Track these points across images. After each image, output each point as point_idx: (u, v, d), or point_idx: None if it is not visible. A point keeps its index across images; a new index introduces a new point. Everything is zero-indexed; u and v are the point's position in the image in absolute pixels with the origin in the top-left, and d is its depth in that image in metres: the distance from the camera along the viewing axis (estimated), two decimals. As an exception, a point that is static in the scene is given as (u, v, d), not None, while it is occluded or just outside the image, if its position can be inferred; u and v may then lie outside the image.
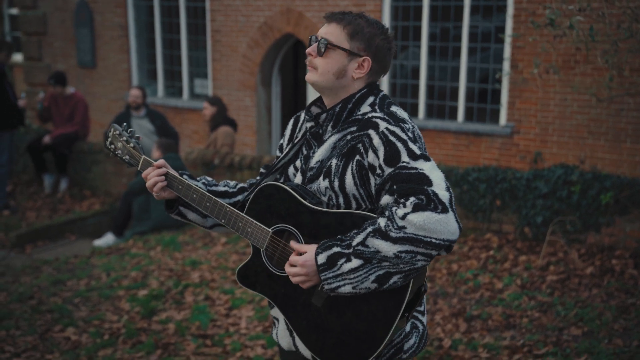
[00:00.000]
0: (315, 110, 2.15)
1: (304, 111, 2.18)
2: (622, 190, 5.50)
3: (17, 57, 11.87)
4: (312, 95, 8.85)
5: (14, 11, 12.36)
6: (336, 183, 2.00)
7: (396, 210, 1.83)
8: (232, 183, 2.31)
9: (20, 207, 7.98)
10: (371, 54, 2.04)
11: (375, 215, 1.92)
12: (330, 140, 2.06)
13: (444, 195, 1.82)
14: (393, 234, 1.81)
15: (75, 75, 10.19)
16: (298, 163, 2.16)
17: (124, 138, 2.28)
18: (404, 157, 1.89)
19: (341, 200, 2.01)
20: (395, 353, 2.08)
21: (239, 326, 4.51)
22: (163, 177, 2.17)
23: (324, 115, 2.08)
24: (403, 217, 1.81)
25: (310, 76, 2.07)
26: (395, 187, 1.87)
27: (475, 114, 7.45)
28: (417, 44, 7.64)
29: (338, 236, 1.93)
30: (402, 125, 1.96)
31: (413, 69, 7.78)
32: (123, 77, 9.87)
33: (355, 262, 1.87)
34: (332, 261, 1.89)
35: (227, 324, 4.55)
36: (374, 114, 2.00)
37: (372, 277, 1.87)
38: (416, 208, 1.80)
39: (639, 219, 5.49)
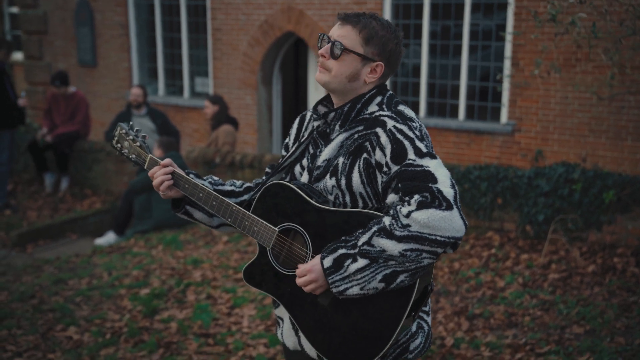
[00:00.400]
0: (322, 109, 2.15)
1: (310, 110, 2.18)
2: (623, 188, 5.50)
3: (18, 56, 11.87)
4: (313, 93, 8.84)
5: (15, 10, 12.35)
6: (343, 181, 2.00)
7: (401, 208, 1.83)
8: (238, 183, 2.31)
9: (21, 206, 7.98)
10: (385, 59, 2.03)
11: (381, 214, 1.91)
12: (338, 139, 2.06)
13: (448, 192, 1.82)
14: (398, 233, 1.81)
15: (75, 74, 10.18)
16: (304, 162, 2.16)
17: (131, 137, 2.28)
18: (411, 155, 1.89)
19: (348, 198, 2.01)
20: (401, 353, 2.07)
21: (241, 325, 4.51)
22: (169, 176, 2.17)
23: (332, 114, 2.08)
24: (407, 215, 1.81)
25: (322, 77, 2.05)
26: (400, 185, 1.87)
27: (476, 112, 7.45)
28: (418, 42, 7.63)
29: (343, 237, 1.92)
30: (409, 123, 1.96)
31: (414, 67, 7.78)
32: (124, 75, 9.86)
33: (361, 262, 1.87)
34: (338, 263, 1.89)
35: (229, 323, 4.55)
36: (381, 112, 2.00)
37: (379, 277, 1.87)
38: (420, 206, 1.80)
39: (640, 217, 5.50)
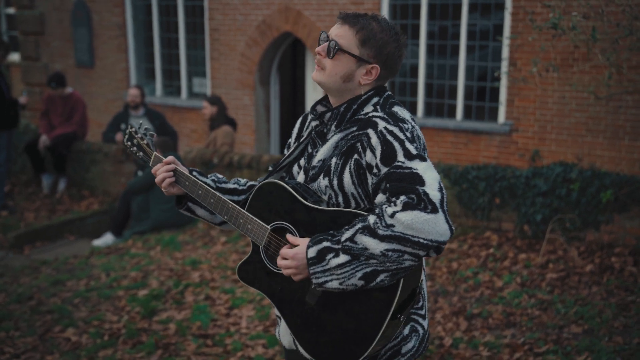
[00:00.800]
0: (320, 108, 2.15)
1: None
2: (621, 188, 5.51)
3: (15, 57, 11.84)
4: (311, 94, 8.85)
5: (11, 10, 12.33)
6: (335, 182, 2.01)
7: (386, 208, 1.84)
8: (242, 181, 2.33)
9: (18, 208, 7.96)
10: (381, 62, 2.02)
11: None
12: (333, 139, 2.06)
13: (434, 195, 1.82)
14: (381, 232, 1.82)
15: (73, 75, 10.17)
16: (302, 161, 2.17)
17: (139, 135, 2.38)
18: (400, 157, 1.89)
19: (340, 199, 2.02)
20: (393, 355, 2.08)
21: (239, 326, 4.51)
22: (171, 173, 2.22)
23: (328, 115, 2.08)
24: (392, 215, 1.81)
25: (317, 75, 2.07)
26: (388, 185, 1.87)
27: (473, 112, 7.46)
28: (416, 42, 7.63)
29: (330, 231, 1.94)
30: (400, 125, 1.95)
31: (411, 67, 7.78)
32: (121, 76, 9.86)
33: (343, 258, 1.88)
34: (321, 256, 1.91)
35: (227, 324, 4.55)
36: (374, 113, 2.00)
37: (359, 274, 1.88)
38: (405, 207, 1.80)
39: (638, 217, 5.50)
